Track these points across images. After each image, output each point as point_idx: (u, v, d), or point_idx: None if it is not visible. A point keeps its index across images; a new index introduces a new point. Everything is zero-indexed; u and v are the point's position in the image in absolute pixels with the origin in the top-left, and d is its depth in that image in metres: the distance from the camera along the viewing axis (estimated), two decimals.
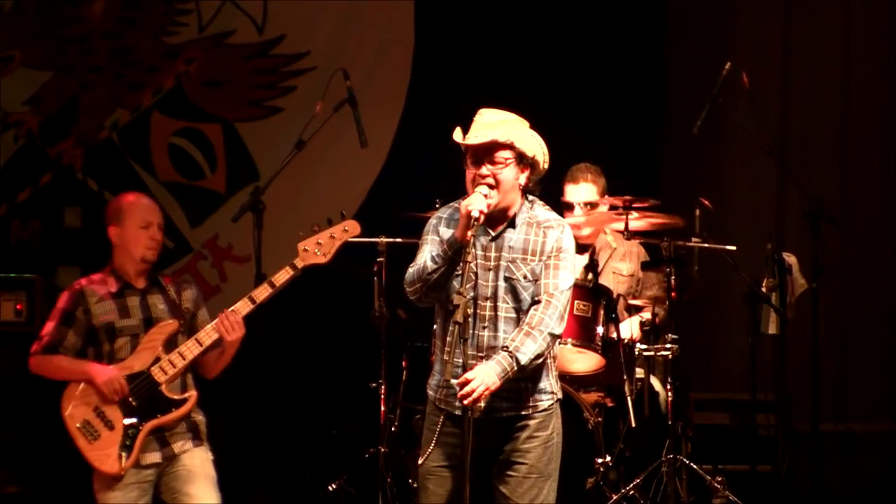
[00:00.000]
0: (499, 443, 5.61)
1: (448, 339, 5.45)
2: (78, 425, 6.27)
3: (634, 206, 7.59)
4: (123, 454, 6.22)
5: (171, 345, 6.32)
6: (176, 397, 6.28)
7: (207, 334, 6.27)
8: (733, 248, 7.63)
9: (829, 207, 8.13)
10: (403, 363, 8.11)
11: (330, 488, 8.02)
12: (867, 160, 9.57)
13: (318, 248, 6.28)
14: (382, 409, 7.97)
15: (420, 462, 5.65)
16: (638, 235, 7.72)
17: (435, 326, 5.73)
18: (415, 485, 7.22)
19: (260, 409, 7.73)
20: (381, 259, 7.98)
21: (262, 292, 6.29)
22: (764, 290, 8.00)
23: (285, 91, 9.86)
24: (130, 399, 6.25)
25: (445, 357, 5.49)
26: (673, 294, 7.48)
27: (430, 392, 5.71)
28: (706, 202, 7.77)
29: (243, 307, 6.27)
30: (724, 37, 9.66)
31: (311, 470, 8.75)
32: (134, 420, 6.23)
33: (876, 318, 9.47)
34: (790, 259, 8.12)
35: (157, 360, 6.27)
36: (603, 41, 9.61)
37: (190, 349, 6.27)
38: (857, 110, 9.59)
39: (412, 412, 7.80)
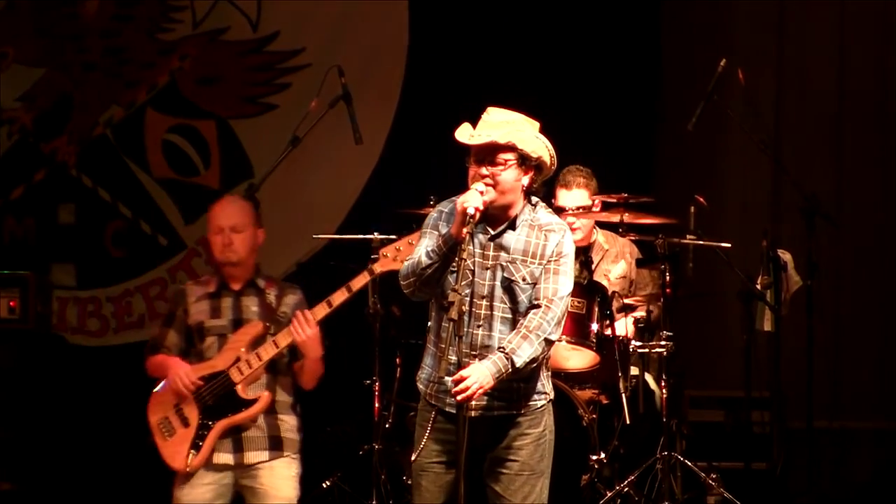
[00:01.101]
0: (490, 441, 5.59)
1: (442, 335, 5.44)
2: (157, 421, 6.33)
3: (629, 202, 7.60)
4: (192, 452, 6.25)
5: (257, 347, 6.32)
6: (249, 397, 6.27)
7: (283, 336, 6.25)
8: (728, 245, 7.63)
9: (823, 204, 8.15)
10: (397, 360, 8.12)
11: (324, 485, 8.01)
12: (862, 157, 9.57)
13: (396, 255, 6.24)
14: (376, 406, 7.97)
15: (413, 458, 5.64)
16: (633, 232, 7.73)
17: (429, 322, 5.71)
18: (409, 482, 7.21)
19: None
20: (376, 256, 7.95)
21: (339, 296, 6.27)
22: (759, 287, 8.00)
23: (280, 88, 9.85)
24: (206, 397, 6.27)
25: (439, 353, 5.49)
26: (668, 291, 7.49)
27: (421, 386, 5.69)
28: (701, 199, 7.77)
29: (320, 311, 6.25)
30: (720, 34, 9.66)
31: (305, 467, 8.73)
32: (208, 419, 6.26)
33: (870, 316, 9.48)
34: (785, 256, 8.12)
35: (238, 360, 6.27)
36: (598, 39, 9.60)
37: (266, 350, 6.25)
38: (851, 107, 9.59)
39: (406, 409, 7.79)
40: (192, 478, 6.26)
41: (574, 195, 7.77)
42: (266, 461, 6.31)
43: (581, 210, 7.72)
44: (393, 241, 7.84)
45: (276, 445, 6.34)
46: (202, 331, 6.36)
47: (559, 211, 7.75)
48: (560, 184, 7.77)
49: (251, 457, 6.30)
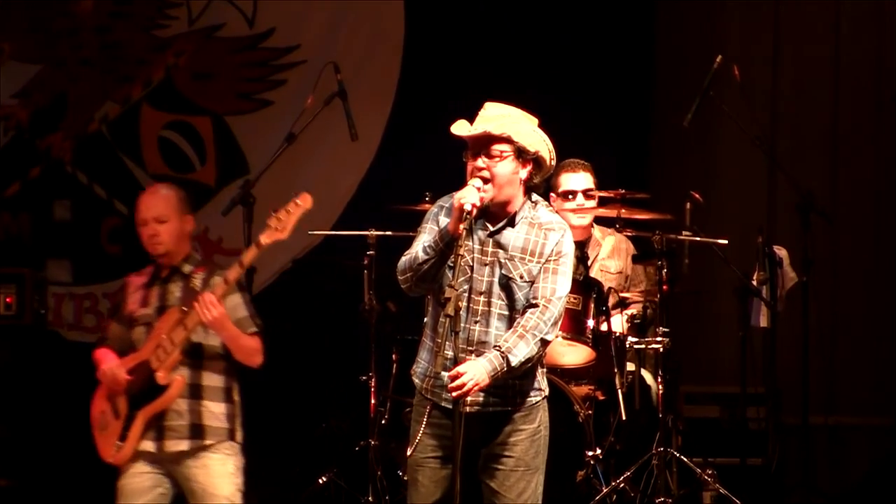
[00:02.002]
0: (485, 437, 5.58)
1: (439, 330, 5.44)
2: (96, 415, 6.30)
3: (625, 198, 7.61)
4: (118, 443, 6.20)
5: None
6: (165, 384, 6.17)
7: (191, 319, 6.11)
8: (724, 241, 7.64)
9: (819, 201, 8.15)
10: (393, 356, 8.10)
11: (320, 481, 8.02)
12: (857, 154, 9.58)
13: (278, 225, 6.16)
14: (373, 402, 7.98)
15: (408, 453, 5.64)
16: (629, 227, 7.73)
17: (426, 318, 5.70)
18: (405, 477, 7.22)
19: (250, 403, 7.71)
20: (371, 252, 7.98)
21: (233, 273, 6.09)
22: (754, 283, 8.01)
23: (275, 84, 9.85)
24: (132, 388, 6.20)
25: (435, 348, 5.48)
26: (664, 287, 7.49)
27: (417, 381, 5.67)
28: (697, 195, 7.78)
29: (219, 289, 6.11)
30: (715, 29, 9.66)
31: (302, 463, 8.75)
32: (134, 409, 6.20)
33: (866, 312, 9.49)
34: (781, 252, 8.14)
35: (158, 347, 6.21)
36: (593, 35, 9.60)
37: (179, 334, 6.14)
38: (846, 103, 9.59)
39: (402, 405, 7.79)
40: (131, 467, 6.18)
41: (580, 177, 7.74)
42: (186, 451, 6.16)
43: (586, 194, 7.72)
44: (387, 234, 7.91)
45: (196, 434, 6.17)
46: (132, 321, 6.28)
47: (567, 195, 7.73)
48: (566, 169, 7.70)
49: (170, 445, 6.16)
